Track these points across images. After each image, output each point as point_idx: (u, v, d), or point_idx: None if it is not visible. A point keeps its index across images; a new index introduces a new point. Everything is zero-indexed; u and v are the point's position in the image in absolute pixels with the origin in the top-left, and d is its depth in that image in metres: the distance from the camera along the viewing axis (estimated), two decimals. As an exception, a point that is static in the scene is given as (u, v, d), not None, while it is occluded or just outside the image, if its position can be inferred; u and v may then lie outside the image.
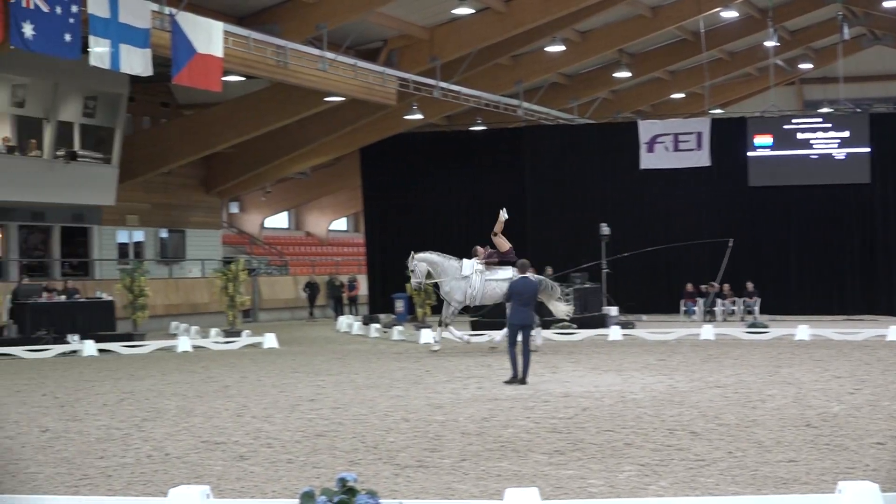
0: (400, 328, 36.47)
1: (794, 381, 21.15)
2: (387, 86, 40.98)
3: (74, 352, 32.10)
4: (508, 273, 28.69)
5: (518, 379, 21.33)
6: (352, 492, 9.12)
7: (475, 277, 29.41)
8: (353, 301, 52.83)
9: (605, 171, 46.74)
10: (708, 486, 11.75)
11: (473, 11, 41.04)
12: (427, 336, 33.47)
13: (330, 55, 36.86)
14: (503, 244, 29.70)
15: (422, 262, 29.72)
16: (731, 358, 26.58)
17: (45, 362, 29.99)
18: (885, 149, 44.04)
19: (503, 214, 29.85)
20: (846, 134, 44.66)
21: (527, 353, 21.60)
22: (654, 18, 47.73)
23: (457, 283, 29.47)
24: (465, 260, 29.84)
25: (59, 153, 39.70)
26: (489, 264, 29.55)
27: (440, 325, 30.15)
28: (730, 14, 48.80)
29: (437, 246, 43.95)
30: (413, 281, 30.15)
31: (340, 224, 69.80)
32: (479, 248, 30.35)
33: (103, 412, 18.33)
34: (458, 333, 30.30)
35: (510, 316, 22.11)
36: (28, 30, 25.78)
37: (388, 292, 44.90)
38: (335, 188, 61.73)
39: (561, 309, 30.20)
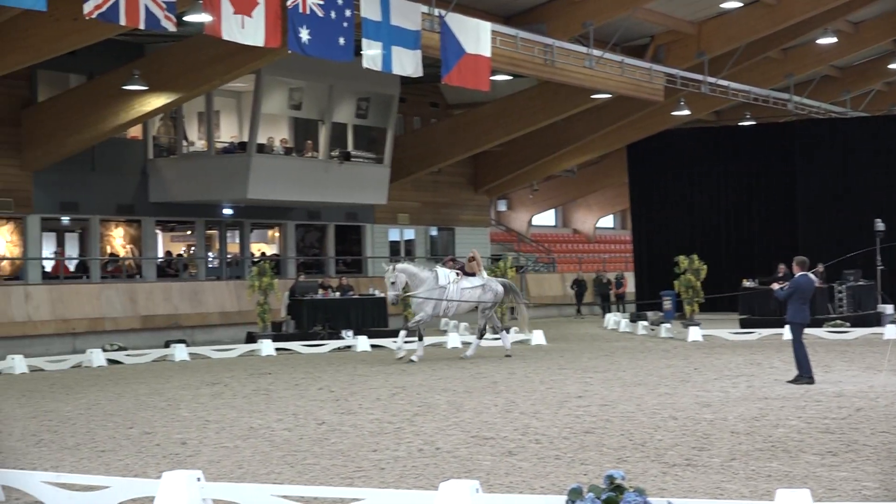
0: (668, 326, 36.23)
1: None
2: (654, 82, 40.75)
3: (349, 347, 32.98)
4: (477, 280, 29.17)
5: (806, 378, 20.86)
6: (619, 489, 9.14)
7: (452, 287, 28.66)
8: (621, 298, 52.65)
9: (880, 166, 45.32)
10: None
11: (742, 5, 40.44)
12: (695, 333, 33.20)
13: (596, 52, 36.88)
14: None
15: (401, 274, 28.49)
16: None
17: (321, 357, 30.93)
18: None
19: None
20: None
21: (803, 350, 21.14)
22: (938, 8, 46.16)
23: (429, 293, 28.43)
24: (439, 269, 29.16)
25: (333, 154, 40.81)
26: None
27: (405, 330, 29.02)
28: None
29: (705, 244, 43.67)
30: (391, 294, 28.40)
31: (607, 221, 69.64)
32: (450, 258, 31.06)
33: (376, 406, 18.80)
34: (399, 343, 28.73)
35: (793, 315, 21.44)
36: (304, 35, 26.61)
37: (656, 289, 44.57)
38: (602, 185, 61.66)
39: (524, 314, 31.27)
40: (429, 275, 28.66)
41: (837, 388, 20.04)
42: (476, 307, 29.44)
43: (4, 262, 36.85)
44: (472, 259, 29.92)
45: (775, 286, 22.07)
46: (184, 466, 12.79)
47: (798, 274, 21.75)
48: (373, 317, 36.66)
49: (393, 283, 28.08)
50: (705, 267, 36.75)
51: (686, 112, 45.76)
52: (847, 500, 10.92)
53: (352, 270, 45.38)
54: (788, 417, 16.55)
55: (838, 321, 34.37)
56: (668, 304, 42.30)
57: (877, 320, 35.56)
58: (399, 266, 28.91)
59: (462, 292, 28.85)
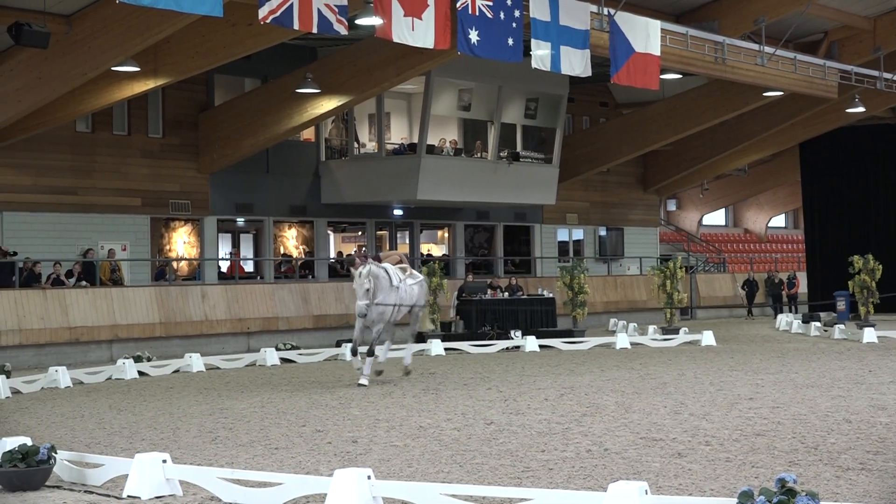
0: (841, 327, 35.56)
1: None
2: (827, 79, 40.00)
3: (517, 347, 33.06)
4: (412, 277, 24.57)
5: None
6: (791, 493, 9.05)
7: (403, 287, 23.97)
8: (793, 299, 51.83)
9: None
10: None
11: (921, -2, 39.50)
12: (870, 335, 32.55)
13: (768, 49, 36.35)
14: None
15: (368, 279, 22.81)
16: None
17: (490, 357, 31.07)
18: None
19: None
20: None
21: None
22: None
23: (386, 297, 23.38)
24: (388, 266, 23.95)
25: (502, 154, 40.96)
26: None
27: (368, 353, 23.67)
28: None
29: (880, 243, 42.73)
30: (360, 304, 22.55)
31: (779, 221, 68.60)
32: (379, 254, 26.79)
33: (544, 406, 18.84)
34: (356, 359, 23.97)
35: None
36: (474, 36, 26.77)
37: (830, 290, 43.79)
38: (773, 184, 60.78)
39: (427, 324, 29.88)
40: (385, 275, 23.52)
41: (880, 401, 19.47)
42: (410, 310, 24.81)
43: (182, 263, 37.83)
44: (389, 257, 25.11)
45: None
46: (355, 464, 13.00)
47: None
48: (541, 317, 36.74)
49: (368, 289, 22.63)
50: (881, 267, 35.98)
51: (861, 109, 44.83)
52: None
53: (520, 271, 45.49)
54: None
55: None
56: (841, 304, 41.54)
57: None
58: (374, 269, 22.97)
59: (410, 290, 24.34)
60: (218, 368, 28.58)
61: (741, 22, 36.33)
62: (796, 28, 38.77)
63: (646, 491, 9.43)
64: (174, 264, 37.10)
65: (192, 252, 37.33)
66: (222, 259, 38.55)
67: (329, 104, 34.31)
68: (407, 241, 43.37)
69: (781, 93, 40.55)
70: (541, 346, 32.76)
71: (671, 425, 16.27)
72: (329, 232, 42.28)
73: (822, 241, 48.39)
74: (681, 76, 39.21)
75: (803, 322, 39.24)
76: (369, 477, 10.49)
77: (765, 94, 41.21)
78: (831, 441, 14.65)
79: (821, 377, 22.85)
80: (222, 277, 37.49)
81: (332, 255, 42.60)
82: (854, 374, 23.47)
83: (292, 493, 11.08)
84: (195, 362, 28.05)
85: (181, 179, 35.89)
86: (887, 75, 41.48)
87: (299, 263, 40.14)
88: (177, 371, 27.68)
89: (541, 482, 12.27)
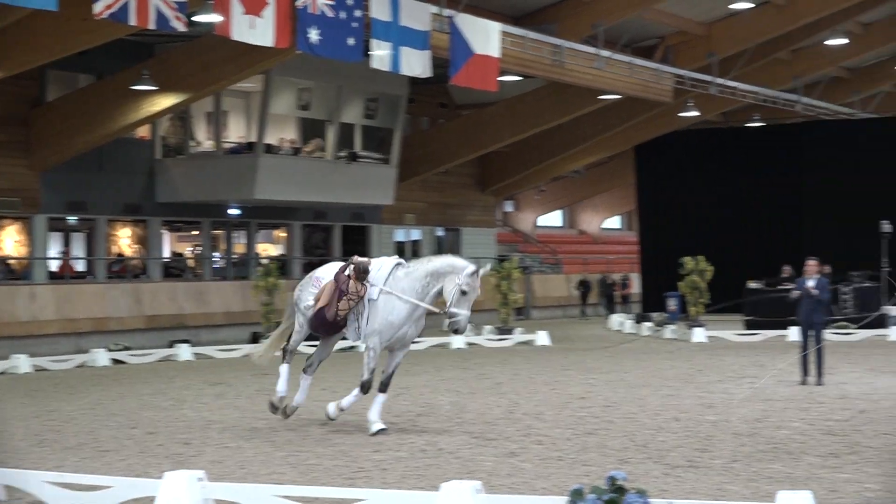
0: (672, 327, 36.25)
1: None
2: (662, 83, 40.76)
3: (353, 347, 32.85)
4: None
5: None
6: (621, 490, 9.17)
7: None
8: (626, 299, 52.65)
9: (887, 167, 45.24)
10: None
11: (753, 5, 40.41)
12: (700, 335, 33.20)
13: (606, 53, 36.88)
14: None
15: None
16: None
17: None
18: None
19: None
20: None
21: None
22: (942, 9, 46.08)
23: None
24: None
25: (340, 154, 40.83)
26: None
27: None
28: None
29: (711, 245, 43.52)
30: (465, 313, 15.94)
31: (614, 222, 69.63)
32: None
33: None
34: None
35: (819, 316, 21.59)
36: (314, 35, 26.66)
37: (661, 291, 44.54)
38: (609, 186, 61.68)
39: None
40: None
41: (840, 391, 20.04)
42: None
43: (11, 262, 36.90)
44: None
45: (811, 287, 21.61)
46: (186, 466, 12.80)
47: (820, 276, 21.81)
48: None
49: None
50: (711, 268, 36.70)
51: (694, 113, 45.77)
52: (849, 503, 10.93)
53: (358, 271, 45.29)
54: (791, 419, 16.57)
55: (843, 322, 34.36)
56: (672, 305, 42.27)
57: (881, 322, 35.54)
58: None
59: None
60: (46, 370, 27.89)
61: (580, 26, 36.80)
62: (633, 33, 39.45)
63: (478, 490, 9.45)
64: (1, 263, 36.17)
65: (22, 251, 36.42)
66: (52, 258, 37.69)
67: (166, 101, 33.79)
68: (244, 241, 42.95)
69: (618, 96, 41.16)
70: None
71: (505, 425, 16.38)
72: (164, 231, 41.65)
73: (655, 243, 49.16)
74: (520, 78, 39.53)
75: (636, 322, 39.87)
76: (200, 479, 10.34)
77: (601, 98, 41.77)
78: (661, 439, 14.90)
79: (652, 376, 23.24)
80: (53, 277, 36.66)
81: (167, 254, 41.99)
82: (684, 373, 23.92)
83: (121, 496, 10.85)
84: (22, 363, 27.37)
85: (10, 177, 34.91)
86: (720, 80, 42.38)
87: (132, 263, 39.47)
88: (2, 373, 26.94)
89: (374, 482, 12.25)
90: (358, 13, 27.65)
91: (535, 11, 37.21)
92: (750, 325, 35.97)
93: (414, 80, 37.51)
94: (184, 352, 30.50)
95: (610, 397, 19.55)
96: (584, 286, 52.58)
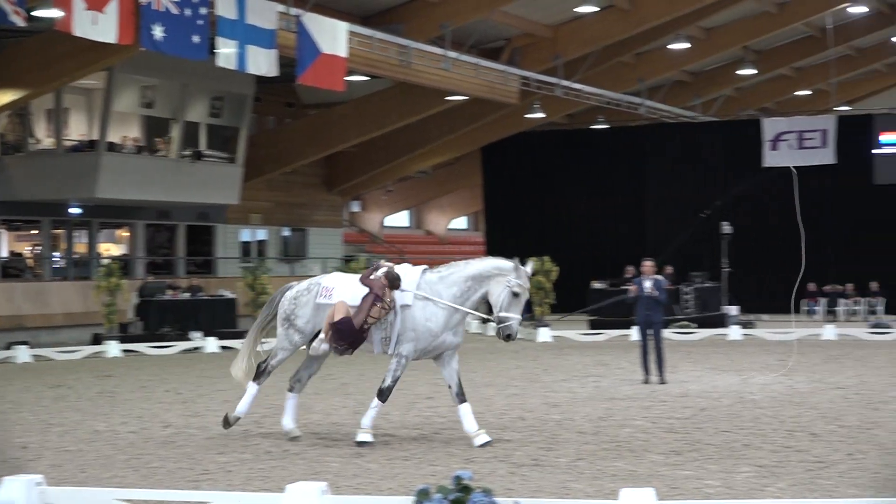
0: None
1: (920, 383, 20.83)
2: (509, 84, 41.01)
3: (197, 348, 32.61)
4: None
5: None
6: (467, 490, 9.16)
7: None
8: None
9: (728, 170, 46.24)
10: (827, 489, 11.65)
11: (598, 9, 40.83)
12: (545, 334, 33.48)
13: (453, 54, 36.98)
14: None
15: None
16: (853, 359, 26.22)
17: (169, 359, 30.53)
18: None
19: None
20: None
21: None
22: (781, 14, 47.06)
23: None
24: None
25: (185, 153, 40.33)
26: None
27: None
28: (858, 9, 47.90)
29: (557, 245, 43.97)
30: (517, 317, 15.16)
31: (460, 223, 69.93)
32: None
33: (224, 408, 18.56)
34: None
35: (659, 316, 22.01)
36: (158, 32, 26.26)
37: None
38: (456, 187, 61.89)
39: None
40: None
41: (682, 389, 20.39)
42: None
43: None
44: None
45: (649, 288, 21.98)
46: (24, 471, 12.47)
47: (658, 277, 22.20)
48: (222, 318, 36.35)
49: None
50: (556, 269, 37.07)
51: (540, 115, 46.16)
52: (690, 499, 11.10)
53: (202, 271, 44.83)
54: (634, 417, 16.80)
55: (684, 322, 34.98)
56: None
57: (721, 321, 36.29)
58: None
59: None
60: None
61: (427, 26, 36.82)
62: (480, 34, 39.60)
63: (324, 491, 9.38)
64: None
65: None
66: None
67: (4, 98, 32.98)
68: (85, 241, 42.15)
69: (464, 97, 41.31)
70: (222, 348, 32.40)
71: (351, 426, 16.29)
72: (2, 231, 40.70)
73: (502, 243, 49.40)
74: (367, 78, 39.45)
75: (481, 322, 39.98)
76: (39, 483, 10.07)
77: (447, 99, 41.89)
78: (506, 438, 14.99)
79: (497, 376, 23.37)
80: None
81: (5, 254, 41.03)
82: (529, 372, 24.11)
83: (-46, 502, 10.54)
84: None
85: None
86: (566, 83, 42.77)
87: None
88: None
89: (219, 485, 12.11)
90: (203, 10, 27.31)
91: (382, 11, 37.15)
92: (594, 325, 36.41)
93: (260, 79, 37.14)
94: (22, 354, 29.82)
95: (456, 397, 19.56)
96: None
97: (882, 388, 20.30)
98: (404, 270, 15.20)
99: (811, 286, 43.33)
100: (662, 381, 21.18)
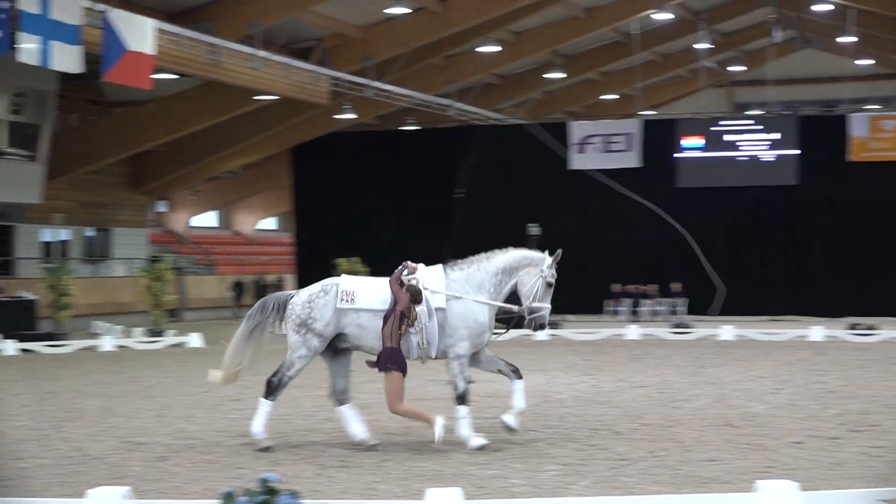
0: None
1: (717, 381, 21.35)
2: (319, 85, 40.84)
3: (-5, 351, 31.77)
4: None
5: None
6: (273, 492, 9.10)
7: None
8: (278, 302, 52.61)
9: (536, 172, 46.84)
10: (629, 486, 11.84)
11: (408, 11, 40.98)
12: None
13: (262, 53, 36.67)
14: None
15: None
16: (656, 358, 26.77)
17: (-32, 361, 29.64)
18: (813, 151, 44.45)
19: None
20: (776, 136, 45.07)
21: None
22: (588, 19, 47.92)
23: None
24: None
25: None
26: None
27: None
28: (663, 16, 49.04)
29: (367, 246, 44.00)
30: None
31: (269, 223, 69.50)
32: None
33: (23, 413, 18.13)
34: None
35: None
36: (-44, 26, 25.48)
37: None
38: (265, 187, 61.48)
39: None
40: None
41: (489, 389, 20.49)
42: None
43: None
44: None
45: None
46: None
47: None
48: (22, 320, 35.44)
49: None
50: (366, 270, 37.08)
51: (351, 116, 46.14)
52: (496, 498, 11.16)
53: (1, 272, 43.63)
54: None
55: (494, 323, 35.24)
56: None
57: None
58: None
59: None
60: None
61: (237, 25, 36.47)
62: (291, 34, 39.42)
63: (126, 496, 9.20)
64: None
65: None
66: None
67: None
68: None
69: (274, 97, 41.04)
70: (21, 350, 31.58)
71: (155, 429, 16.05)
72: None
73: (311, 244, 49.28)
74: (176, 76, 38.91)
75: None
76: None
77: (256, 98, 41.57)
78: (314, 440, 14.93)
79: (306, 377, 23.13)
80: None
81: None
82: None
83: None
84: None
85: None
86: (376, 84, 42.81)
87: None
88: None
89: (17, 491, 11.76)
90: (5, 4, 26.56)
91: (191, 9, 36.67)
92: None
93: (65, 76, 36.36)
94: None
95: (263, 399, 19.38)
96: (238, 288, 52.29)
97: (683, 386, 20.76)
98: (427, 272, 14.86)
99: (615, 287, 44.19)
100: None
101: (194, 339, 33.39)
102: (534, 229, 39.33)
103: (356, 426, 14.62)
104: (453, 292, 14.66)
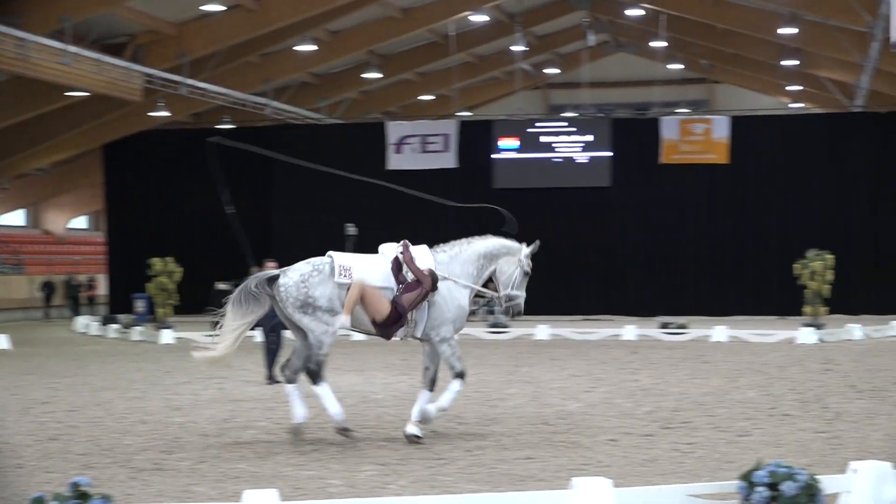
0: (140, 328, 35.83)
1: (533, 380, 21.56)
2: (132, 81, 40.13)
3: None
4: None
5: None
6: (85, 496, 8.89)
7: None
8: (92, 301, 51.62)
9: (353, 172, 46.70)
10: (446, 484, 11.87)
11: (224, 8, 40.51)
12: (168, 336, 32.95)
13: (73, 49, 35.88)
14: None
15: None
16: (473, 357, 26.86)
17: None
18: (625, 153, 45.31)
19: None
20: (589, 138, 45.82)
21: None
22: (405, 20, 47.99)
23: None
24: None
25: None
26: None
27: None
28: (479, 18, 49.40)
29: (181, 246, 43.48)
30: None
31: (81, 222, 68.08)
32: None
33: None
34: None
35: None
36: None
37: (129, 292, 43.95)
38: (76, 185, 60.19)
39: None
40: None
41: (306, 390, 20.33)
42: None
43: None
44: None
45: None
46: None
47: None
48: None
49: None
50: (180, 269, 36.65)
51: (165, 113, 45.45)
52: (313, 499, 11.08)
53: None
54: (258, 419, 16.71)
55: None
56: (140, 306, 41.82)
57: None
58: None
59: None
60: None
61: (47, 19, 35.59)
62: (103, 29, 38.67)
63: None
64: None
65: None
66: None
67: None
68: None
69: (85, 93, 40.21)
70: None
71: (-36, 430, 15.58)
72: None
73: (124, 243, 48.48)
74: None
75: (102, 324, 39.06)
76: None
77: (67, 94, 40.69)
78: (127, 443, 14.62)
79: (118, 379, 22.80)
80: None
81: None
82: (151, 375, 23.64)
83: None
84: None
85: None
86: (191, 81, 42.26)
87: None
88: None
89: None
90: None
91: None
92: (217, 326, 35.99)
93: None
94: None
95: (74, 402, 18.97)
96: (48, 288, 51.15)
97: (499, 385, 20.91)
98: (417, 253, 15.01)
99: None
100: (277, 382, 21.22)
101: (1, 341, 32.47)
102: (351, 229, 39.32)
103: (299, 408, 14.75)
104: (442, 274, 14.87)
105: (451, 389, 14.86)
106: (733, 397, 18.17)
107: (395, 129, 47.16)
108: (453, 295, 14.95)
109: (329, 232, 43.84)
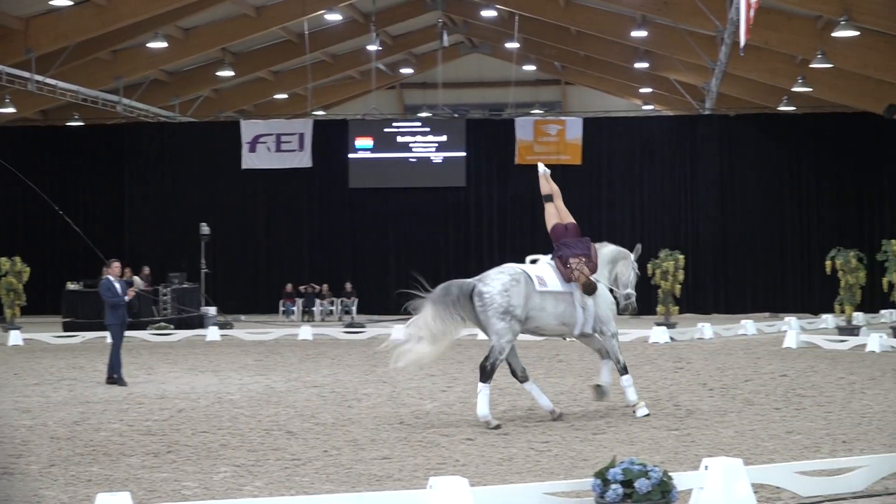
0: (-6, 329, 35.11)
1: (390, 380, 21.54)
2: (-22, 77, 39.23)
3: None
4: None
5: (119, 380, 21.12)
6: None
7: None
8: None
9: (207, 171, 46.37)
10: (303, 485, 11.82)
11: (73, 3, 39.76)
12: (16, 337, 32.23)
13: None
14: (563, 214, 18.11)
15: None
16: (329, 358, 26.84)
17: None
18: (479, 153, 45.56)
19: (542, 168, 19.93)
20: (444, 138, 45.96)
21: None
22: (259, 18, 47.55)
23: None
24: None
25: None
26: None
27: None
28: (334, 17, 49.16)
29: (29, 245, 42.63)
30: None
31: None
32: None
33: None
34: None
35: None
36: None
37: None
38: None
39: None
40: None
41: (160, 390, 20.15)
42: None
43: None
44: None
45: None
46: None
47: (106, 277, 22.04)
48: None
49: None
50: (28, 269, 35.96)
51: (11, 110, 44.48)
52: (167, 501, 10.93)
53: None
54: (110, 421, 16.42)
55: (162, 323, 34.71)
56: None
57: (200, 322, 36.32)
58: None
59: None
60: None
61: None
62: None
63: None
64: None
65: None
66: None
67: None
68: None
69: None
70: None
71: None
72: None
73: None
74: None
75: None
76: None
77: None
78: (-27, 447, 14.26)
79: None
80: None
81: None
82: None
83: None
84: None
85: None
86: (39, 77, 41.43)
87: None
88: None
89: None
90: None
91: None
92: (68, 328, 35.40)
93: None
94: None
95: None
96: None
97: (355, 385, 20.88)
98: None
99: (288, 287, 44.08)
100: (121, 383, 20.97)
101: None
102: (205, 228, 38.96)
103: (544, 401, 16.57)
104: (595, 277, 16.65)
105: (628, 384, 16.71)
106: (587, 396, 18.34)
107: (248, 128, 46.81)
108: (605, 295, 16.84)
109: (182, 231, 43.46)
